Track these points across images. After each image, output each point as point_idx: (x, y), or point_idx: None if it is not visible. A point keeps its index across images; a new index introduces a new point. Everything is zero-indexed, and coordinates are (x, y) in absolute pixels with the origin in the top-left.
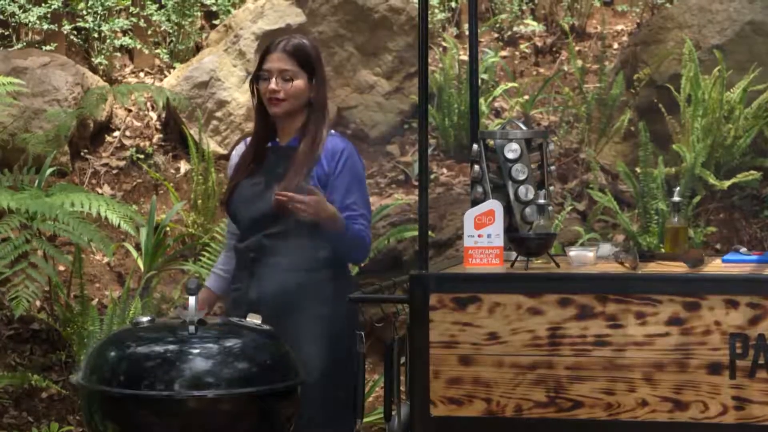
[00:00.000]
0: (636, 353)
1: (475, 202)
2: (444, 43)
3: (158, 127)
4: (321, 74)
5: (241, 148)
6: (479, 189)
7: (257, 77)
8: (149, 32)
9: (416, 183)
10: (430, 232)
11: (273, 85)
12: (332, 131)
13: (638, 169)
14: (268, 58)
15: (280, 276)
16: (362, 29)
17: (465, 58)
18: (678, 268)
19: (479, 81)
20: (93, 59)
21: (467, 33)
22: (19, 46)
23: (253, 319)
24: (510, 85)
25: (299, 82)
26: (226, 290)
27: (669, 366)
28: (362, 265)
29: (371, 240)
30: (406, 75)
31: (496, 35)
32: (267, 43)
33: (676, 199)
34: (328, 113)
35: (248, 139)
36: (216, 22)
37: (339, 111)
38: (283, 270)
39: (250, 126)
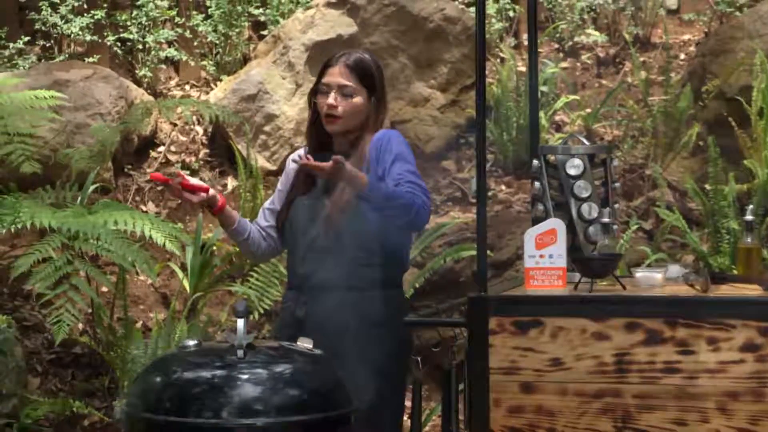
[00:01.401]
0: (708, 381)
1: (535, 221)
2: (502, 54)
3: (204, 141)
4: (381, 92)
5: (301, 154)
6: (540, 207)
7: (316, 90)
8: (195, 43)
9: (474, 200)
10: (488, 252)
11: (331, 99)
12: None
13: (708, 186)
14: (329, 71)
15: (332, 297)
16: (416, 39)
17: (524, 69)
18: (752, 290)
19: (539, 93)
20: (137, 72)
21: (526, 43)
22: (61, 58)
23: (304, 343)
24: (571, 97)
25: (358, 99)
26: (245, 228)
27: (744, 395)
28: (417, 286)
29: (430, 207)
30: (462, 87)
31: (556, 45)
32: (322, 55)
33: (748, 217)
34: (383, 124)
35: (304, 150)
36: (264, 32)
37: (392, 125)
38: (335, 290)
39: (299, 141)
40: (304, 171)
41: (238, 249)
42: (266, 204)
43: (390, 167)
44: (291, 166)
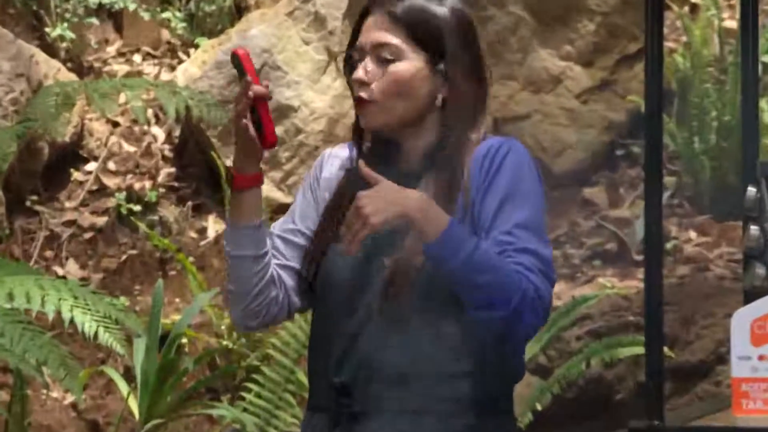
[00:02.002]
0: None
1: (751, 294)
2: None
3: (168, 154)
4: (465, 57)
5: (336, 161)
6: (760, 270)
7: (347, 59)
8: None
9: (640, 257)
10: (667, 350)
11: (360, 71)
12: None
13: None
14: (365, 23)
15: (391, 428)
16: None
17: (732, 25)
18: None
19: (759, 69)
20: (48, 31)
21: None
22: None
23: None
24: None
25: (405, 66)
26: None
27: None
28: (538, 408)
29: (550, 301)
30: (620, 59)
31: None
32: None
33: None
34: (484, 123)
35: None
36: None
37: (496, 124)
38: (397, 417)
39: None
40: (343, 191)
41: (225, 342)
42: (279, 227)
43: (495, 214)
44: (332, 172)
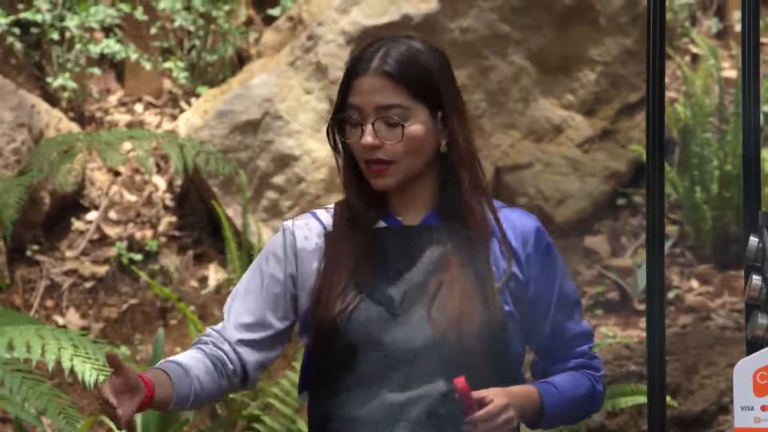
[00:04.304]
0: None
1: (754, 344)
2: (693, 48)
3: (169, 204)
4: (454, 100)
5: (312, 230)
6: (762, 320)
7: (339, 121)
8: (153, 31)
9: (642, 307)
10: (669, 399)
11: (369, 137)
12: (497, 202)
13: None
14: (356, 85)
15: None
16: (541, 24)
17: (732, 75)
18: None
19: (761, 117)
20: (50, 80)
21: (737, 28)
22: None
23: None
24: None
25: (417, 127)
26: (186, 394)
27: None
28: None
29: (602, 374)
30: (621, 108)
31: None
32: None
33: None
34: (482, 168)
35: (322, 213)
36: (273, 12)
37: (498, 173)
38: None
39: (333, 201)
40: (341, 254)
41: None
42: (237, 302)
43: (567, 315)
44: (312, 243)
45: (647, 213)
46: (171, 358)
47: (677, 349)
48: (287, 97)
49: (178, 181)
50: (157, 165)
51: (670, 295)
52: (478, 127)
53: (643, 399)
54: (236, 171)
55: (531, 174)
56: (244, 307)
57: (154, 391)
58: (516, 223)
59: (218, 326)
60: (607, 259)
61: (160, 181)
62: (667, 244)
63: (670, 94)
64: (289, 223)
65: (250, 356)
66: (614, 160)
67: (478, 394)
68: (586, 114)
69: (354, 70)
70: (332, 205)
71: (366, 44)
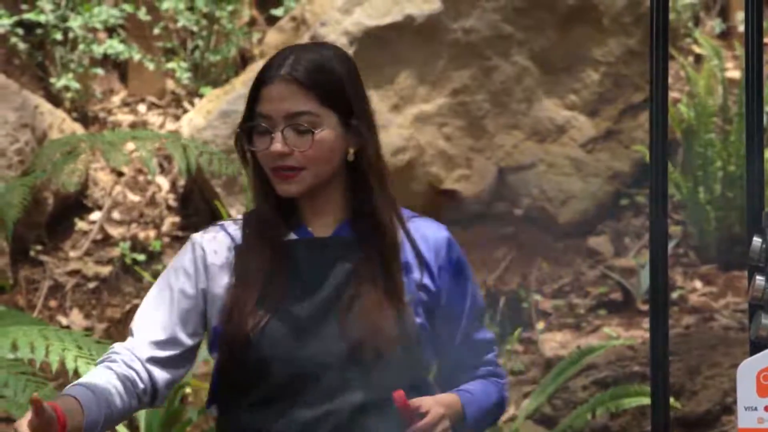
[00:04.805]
0: None
1: (757, 345)
2: (696, 48)
3: (172, 204)
4: (364, 107)
5: (221, 243)
6: (766, 320)
7: (248, 130)
8: (156, 32)
9: (645, 307)
10: (673, 401)
11: (279, 144)
12: (407, 211)
13: None
14: (264, 93)
15: None
16: (544, 24)
17: (736, 75)
18: None
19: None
20: (53, 81)
21: (740, 28)
22: None
23: None
24: None
25: (326, 134)
26: (96, 419)
27: None
28: None
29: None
30: (624, 109)
31: None
32: (379, 51)
33: None
34: (390, 176)
35: (231, 226)
36: (276, 12)
37: (501, 174)
38: None
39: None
40: (252, 267)
41: None
42: (147, 318)
43: (470, 323)
44: (223, 257)
45: (650, 213)
46: (80, 380)
47: (681, 349)
48: None
49: (182, 182)
50: (161, 165)
51: (674, 295)
52: (480, 127)
53: (646, 400)
54: (239, 171)
55: (534, 174)
56: (155, 324)
57: (66, 422)
58: (427, 233)
59: (127, 343)
60: (611, 259)
61: (164, 182)
62: (671, 245)
63: (673, 94)
64: (197, 236)
65: (161, 375)
66: (617, 160)
67: (414, 403)
68: (589, 114)
69: (262, 78)
70: (240, 217)
71: (278, 51)
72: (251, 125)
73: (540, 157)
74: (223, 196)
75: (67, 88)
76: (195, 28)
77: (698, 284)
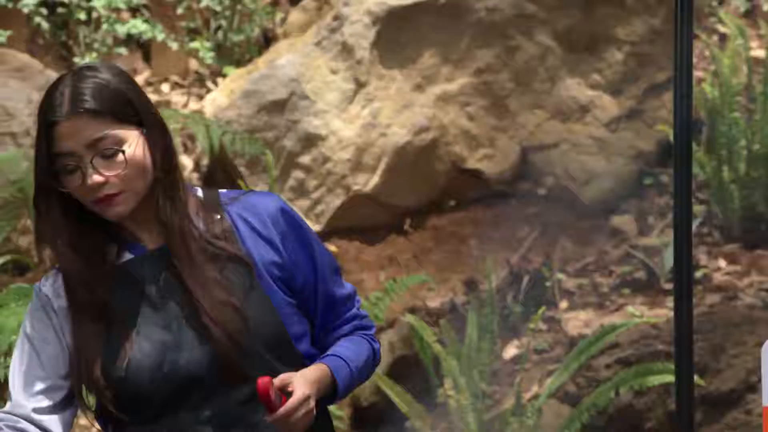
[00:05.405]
0: None
1: None
2: (721, 27)
3: (195, 183)
4: (153, 113)
5: (62, 286)
6: None
7: (52, 173)
8: (179, 11)
9: (669, 286)
10: (697, 379)
11: (95, 176)
12: (232, 191)
13: None
14: (58, 132)
15: None
16: (568, 3)
17: (760, 54)
18: None
19: None
20: (77, 60)
21: (766, 8)
22: None
23: None
24: None
25: (134, 150)
26: None
27: None
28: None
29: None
30: (648, 88)
31: None
32: (402, 31)
33: None
34: (183, 176)
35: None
36: None
37: (524, 153)
38: None
39: (359, 180)
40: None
41: None
42: (18, 376)
43: (332, 279)
44: (64, 300)
45: (675, 192)
46: None
47: (705, 328)
48: (313, 77)
49: (205, 161)
50: (184, 145)
51: (698, 274)
52: (504, 107)
53: (670, 378)
54: (262, 151)
55: (558, 154)
56: (28, 378)
57: None
58: (259, 207)
59: (6, 408)
60: (634, 238)
61: (187, 161)
62: (695, 224)
63: (697, 73)
64: (38, 284)
65: (53, 421)
66: (641, 139)
67: (280, 380)
68: (613, 94)
69: (48, 120)
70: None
71: (48, 89)
72: (57, 168)
73: (563, 137)
74: (246, 176)
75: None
76: (218, 8)
77: (722, 263)
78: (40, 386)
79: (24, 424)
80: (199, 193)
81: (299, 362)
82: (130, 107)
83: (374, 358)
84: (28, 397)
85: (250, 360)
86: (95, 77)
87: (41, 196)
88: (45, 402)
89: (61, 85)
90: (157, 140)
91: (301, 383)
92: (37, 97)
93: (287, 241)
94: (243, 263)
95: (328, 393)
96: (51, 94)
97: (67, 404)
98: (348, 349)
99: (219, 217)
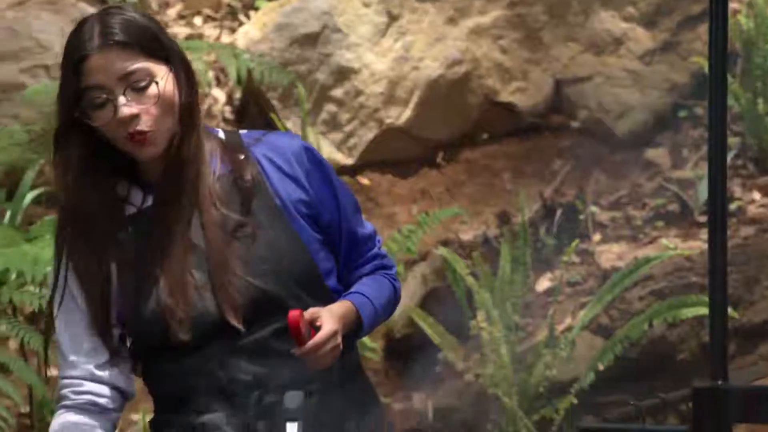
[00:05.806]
0: None
1: None
2: None
3: (229, 116)
4: (180, 53)
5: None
6: None
7: (81, 109)
8: None
9: (703, 219)
10: (731, 311)
11: (126, 108)
12: (254, 132)
13: None
14: (87, 67)
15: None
16: None
17: None
18: None
19: None
20: None
21: None
22: None
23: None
24: None
25: (164, 84)
26: None
27: None
28: (600, 368)
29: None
30: (683, 20)
31: None
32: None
33: None
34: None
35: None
36: None
37: (558, 86)
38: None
39: (392, 114)
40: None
41: None
42: (65, 343)
43: (355, 218)
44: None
45: (709, 125)
46: None
47: (738, 260)
48: (346, 10)
49: (238, 94)
50: (217, 78)
51: (732, 207)
52: (537, 39)
53: (704, 310)
54: (294, 83)
55: (591, 87)
56: (76, 341)
57: None
58: (283, 146)
59: (64, 371)
60: (668, 171)
61: (220, 94)
62: (729, 156)
63: (732, 5)
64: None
65: (115, 375)
66: (675, 72)
67: (309, 313)
68: (647, 26)
69: (77, 54)
70: None
71: (74, 27)
72: (86, 103)
73: (597, 70)
74: (279, 109)
75: (123, 1)
76: None
77: (756, 195)
78: (88, 345)
79: (87, 386)
80: (221, 134)
81: (329, 297)
82: (158, 43)
83: (395, 297)
84: (84, 359)
85: (283, 294)
86: (122, 14)
87: (62, 130)
88: (100, 358)
89: (88, 22)
90: (183, 78)
91: (329, 318)
92: (70, 30)
93: (312, 178)
94: (271, 202)
95: (353, 329)
96: (79, 30)
97: (121, 353)
98: (371, 287)
99: (243, 157)
